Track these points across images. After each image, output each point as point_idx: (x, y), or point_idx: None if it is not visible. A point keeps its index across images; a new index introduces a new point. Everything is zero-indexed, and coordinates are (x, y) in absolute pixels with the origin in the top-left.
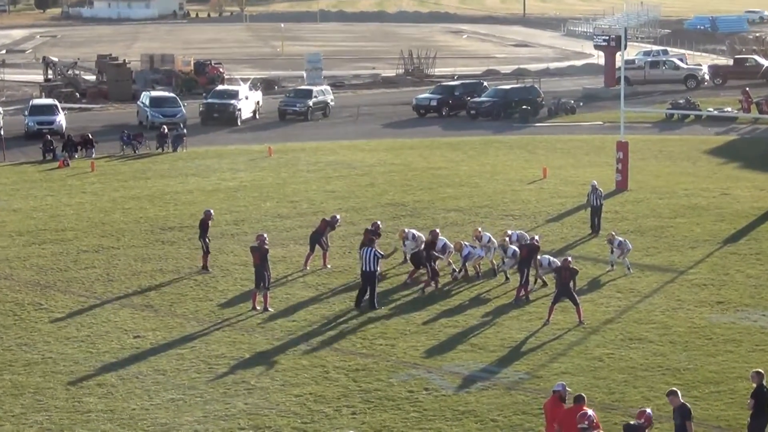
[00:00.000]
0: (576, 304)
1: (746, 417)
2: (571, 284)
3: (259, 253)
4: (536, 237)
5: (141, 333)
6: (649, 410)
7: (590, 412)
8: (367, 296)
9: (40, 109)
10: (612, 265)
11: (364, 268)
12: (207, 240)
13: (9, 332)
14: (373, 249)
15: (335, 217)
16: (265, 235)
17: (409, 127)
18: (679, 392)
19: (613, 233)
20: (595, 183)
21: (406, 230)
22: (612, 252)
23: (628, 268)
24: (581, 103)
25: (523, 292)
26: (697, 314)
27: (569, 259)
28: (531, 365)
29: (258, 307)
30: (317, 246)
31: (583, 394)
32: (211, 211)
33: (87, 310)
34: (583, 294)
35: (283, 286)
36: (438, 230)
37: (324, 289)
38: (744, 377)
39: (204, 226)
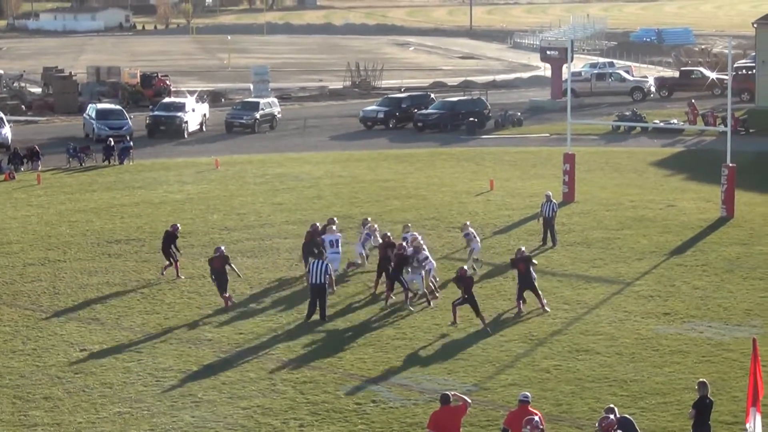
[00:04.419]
0: (537, 294)
1: (690, 428)
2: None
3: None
4: (522, 248)
5: (87, 346)
6: (612, 416)
7: (536, 417)
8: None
9: None
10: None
11: (313, 281)
12: (173, 250)
13: None
14: (324, 261)
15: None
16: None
17: (356, 139)
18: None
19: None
20: (550, 194)
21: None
22: None
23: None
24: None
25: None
26: (643, 325)
27: (522, 249)
28: (478, 377)
29: None
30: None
31: (527, 393)
32: (179, 225)
33: (33, 323)
34: (531, 306)
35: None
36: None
37: (271, 301)
38: (691, 388)
39: (171, 239)
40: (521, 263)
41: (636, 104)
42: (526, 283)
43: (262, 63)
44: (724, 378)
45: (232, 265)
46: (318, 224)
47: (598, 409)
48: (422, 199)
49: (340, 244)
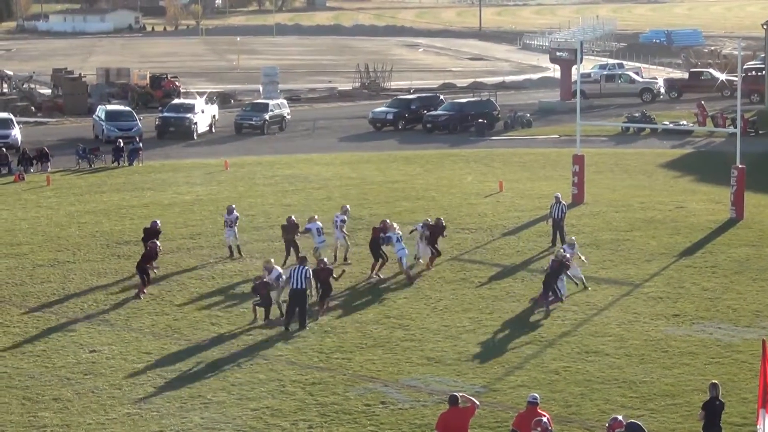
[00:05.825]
0: (545, 291)
1: (700, 429)
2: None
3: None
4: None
5: (97, 347)
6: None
7: (545, 418)
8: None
9: None
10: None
11: (294, 287)
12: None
13: None
14: (305, 267)
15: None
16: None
17: (365, 140)
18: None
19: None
20: (559, 195)
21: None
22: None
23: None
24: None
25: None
26: (653, 327)
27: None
28: (488, 378)
29: None
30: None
31: (536, 395)
32: (158, 222)
33: (42, 324)
34: (540, 307)
35: (239, 300)
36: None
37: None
38: (700, 390)
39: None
40: (557, 263)
41: (645, 105)
42: (552, 278)
43: (271, 64)
44: (734, 380)
45: (154, 267)
46: (294, 217)
47: (608, 411)
48: (431, 200)
49: (323, 232)
